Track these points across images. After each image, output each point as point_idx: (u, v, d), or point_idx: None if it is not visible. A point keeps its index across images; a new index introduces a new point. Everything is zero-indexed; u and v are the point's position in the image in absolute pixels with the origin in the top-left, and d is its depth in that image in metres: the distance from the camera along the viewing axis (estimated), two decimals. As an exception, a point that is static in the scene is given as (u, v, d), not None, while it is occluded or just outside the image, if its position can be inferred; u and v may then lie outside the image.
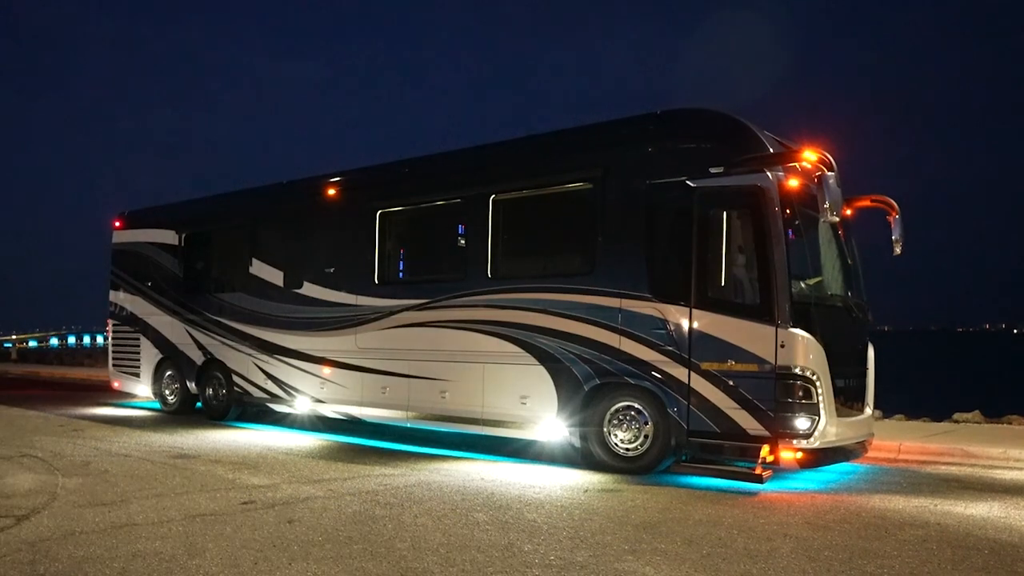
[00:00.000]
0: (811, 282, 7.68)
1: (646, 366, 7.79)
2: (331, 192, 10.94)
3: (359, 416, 10.39)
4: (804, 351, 7.08)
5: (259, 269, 11.75)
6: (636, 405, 7.90)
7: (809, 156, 7.35)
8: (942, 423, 12.18)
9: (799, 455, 7.09)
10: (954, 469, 8.62)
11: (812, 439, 7.07)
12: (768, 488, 7.29)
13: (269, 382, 11.50)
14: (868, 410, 8.25)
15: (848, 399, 7.70)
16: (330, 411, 10.73)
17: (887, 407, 13.28)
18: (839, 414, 7.34)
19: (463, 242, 9.48)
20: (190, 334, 12.85)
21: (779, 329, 7.09)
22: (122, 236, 14.51)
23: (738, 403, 7.27)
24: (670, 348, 7.65)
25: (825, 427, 7.11)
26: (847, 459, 7.97)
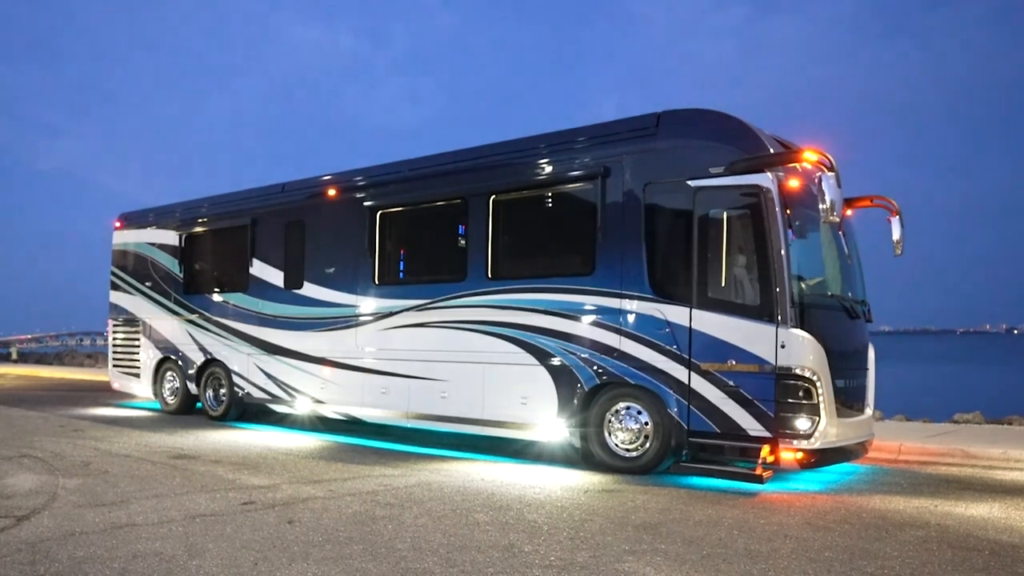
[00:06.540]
0: (811, 282, 7.68)
1: (646, 366, 7.79)
2: (331, 192, 10.94)
3: (359, 416, 10.40)
4: (804, 351, 7.08)
5: (259, 269, 11.76)
6: (636, 405, 7.90)
7: (809, 156, 7.37)
8: (942, 423, 12.18)
9: (799, 455, 7.09)
10: (954, 470, 8.61)
11: (812, 439, 7.07)
12: (768, 488, 7.29)
13: (269, 382, 11.50)
14: (868, 410, 8.25)
15: (848, 399, 7.69)
16: (330, 411, 10.73)
17: (887, 408, 13.29)
18: (839, 414, 7.34)
19: (463, 242, 9.48)
20: (190, 334, 12.86)
21: (780, 329, 7.10)
22: (122, 236, 14.53)
23: (738, 403, 7.28)
24: (670, 348, 7.65)
25: (825, 427, 7.11)
26: (847, 459, 7.97)
